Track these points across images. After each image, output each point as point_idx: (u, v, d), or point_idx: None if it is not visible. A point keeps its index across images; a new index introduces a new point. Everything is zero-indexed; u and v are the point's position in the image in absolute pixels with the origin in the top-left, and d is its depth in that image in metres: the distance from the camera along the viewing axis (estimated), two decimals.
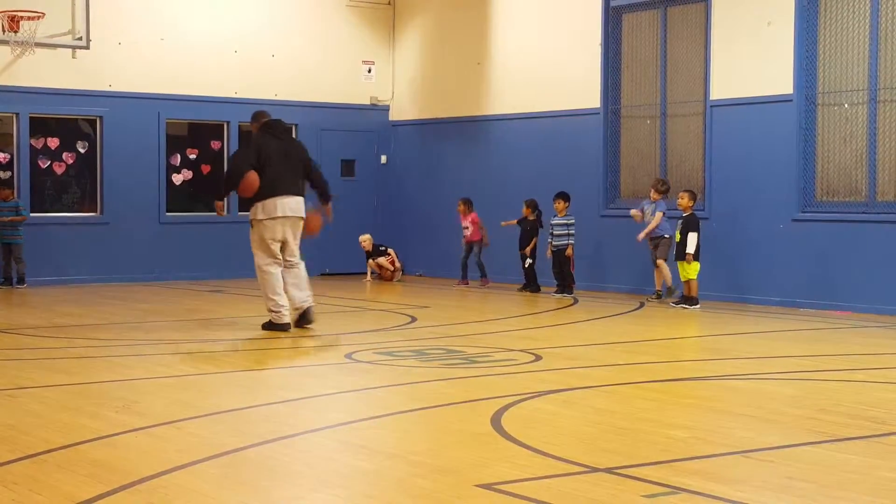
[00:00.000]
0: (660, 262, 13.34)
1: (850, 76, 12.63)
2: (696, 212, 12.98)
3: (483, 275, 15.50)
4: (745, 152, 13.40)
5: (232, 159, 10.74)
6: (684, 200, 12.86)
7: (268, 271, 10.48)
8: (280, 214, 10.40)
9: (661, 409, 6.97)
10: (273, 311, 10.52)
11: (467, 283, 15.55)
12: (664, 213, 13.31)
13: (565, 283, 14.27)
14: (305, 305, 10.64)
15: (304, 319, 10.66)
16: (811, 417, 6.70)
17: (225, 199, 10.49)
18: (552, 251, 14.33)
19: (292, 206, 10.50)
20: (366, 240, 16.82)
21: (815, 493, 5.02)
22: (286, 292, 10.51)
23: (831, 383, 8.13)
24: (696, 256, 12.72)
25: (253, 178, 10.30)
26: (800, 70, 12.83)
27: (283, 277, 10.51)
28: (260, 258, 10.52)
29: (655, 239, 13.40)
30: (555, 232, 14.31)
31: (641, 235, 13.35)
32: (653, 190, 13.52)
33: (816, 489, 5.09)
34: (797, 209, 12.97)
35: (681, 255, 12.76)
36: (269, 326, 10.55)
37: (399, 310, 12.75)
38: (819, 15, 12.82)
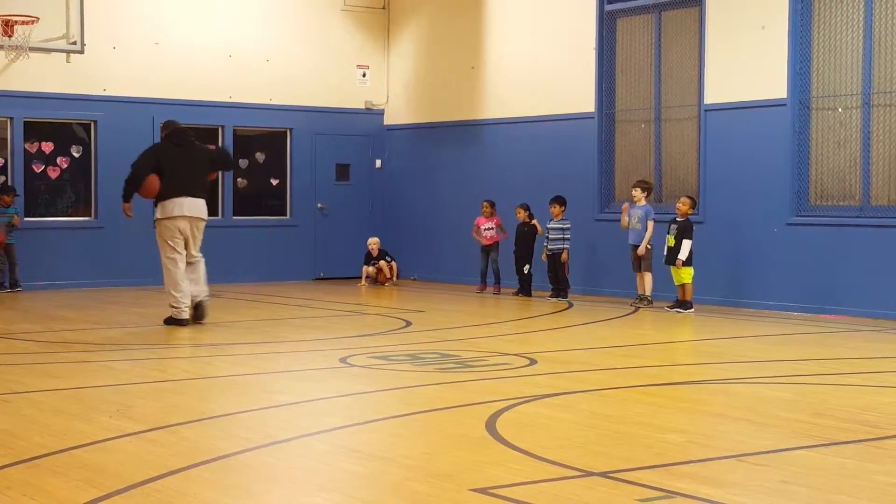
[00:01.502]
0: (646, 274, 13.32)
1: (843, 80, 12.65)
2: (689, 217, 12.99)
3: (497, 281, 15.39)
4: (739, 156, 13.41)
5: (133, 165, 11.41)
6: (685, 206, 12.85)
7: (169, 268, 11.22)
8: (178, 214, 11.15)
9: (655, 413, 6.97)
10: (174, 307, 11.19)
11: (486, 289, 15.42)
12: (654, 221, 13.25)
13: (560, 288, 14.27)
14: (199, 299, 11.34)
15: (197, 313, 11.36)
16: (806, 421, 6.70)
17: (131, 201, 11.55)
18: (547, 255, 14.35)
19: (190, 206, 11.22)
20: (374, 243, 16.82)
21: (810, 497, 5.02)
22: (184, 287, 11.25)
23: (826, 387, 8.14)
24: (689, 262, 12.74)
25: (153, 181, 11.14)
26: (794, 74, 12.85)
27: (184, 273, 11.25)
28: (163, 255, 11.27)
29: (638, 248, 13.35)
30: (550, 236, 14.33)
31: (643, 249, 13.26)
32: (638, 189, 13.46)
33: (811, 493, 5.09)
34: (791, 213, 12.98)
35: (673, 260, 12.78)
36: (170, 321, 11.22)
37: (394, 314, 12.75)
38: (813, 19, 12.84)
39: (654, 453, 5.83)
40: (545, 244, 14.39)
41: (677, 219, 12.89)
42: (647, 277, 13.33)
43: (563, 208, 14.31)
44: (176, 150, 11.38)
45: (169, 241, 11.18)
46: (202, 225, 11.41)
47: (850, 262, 12.49)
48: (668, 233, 12.89)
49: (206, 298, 11.45)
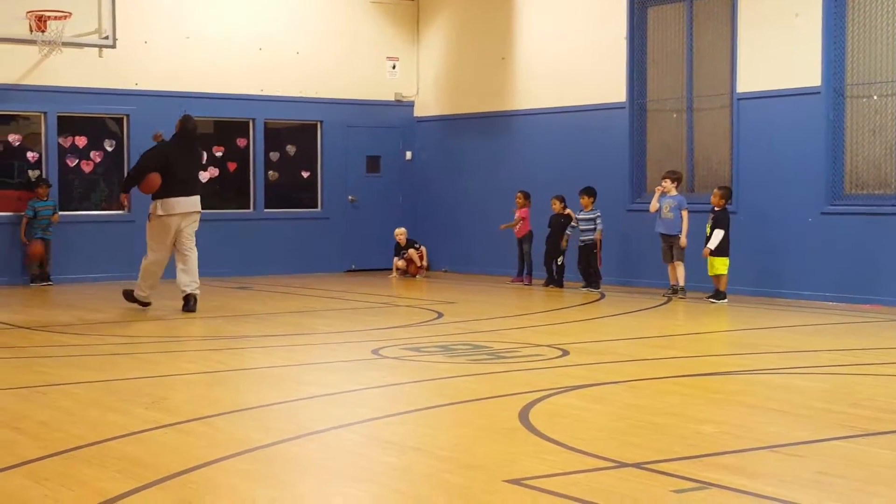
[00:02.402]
0: (677, 263, 13.25)
1: (878, 67, 12.52)
2: (726, 207, 12.91)
3: (528, 272, 15.37)
4: (772, 145, 13.31)
5: (139, 160, 12.01)
6: (715, 198, 12.78)
7: (151, 261, 11.81)
8: (176, 212, 11.73)
9: (689, 404, 6.93)
10: (140, 294, 11.93)
11: (522, 280, 15.41)
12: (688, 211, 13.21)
13: (592, 278, 14.23)
14: (188, 290, 11.81)
15: (187, 305, 11.82)
16: (841, 412, 6.65)
17: (129, 193, 12.48)
18: (578, 246, 14.32)
19: (186, 203, 11.80)
20: (401, 233, 16.83)
21: (845, 489, 4.98)
22: (176, 276, 11.86)
23: (862, 377, 8.07)
24: (724, 252, 12.66)
25: (154, 178, 11.68)
26: (828, 62, 12.73)
27: (177, 264, 11.85)
28: (151, 250, 11.86)
29: (670, 238, 13.31)
30: (581, 227, 14.30)
31: (684, 240, 13.18)
32: (668, 181, 13.37)
33: (847, 484, 5.05)
34: (826, 202, 12.87)
35: (714, 251, 12.68)
36: (131, 298, 11.94)
37: (425, 305, 12.75)
38: (847, 6, 12.71)
39: (688, 444, 5.80)
40: (567, 233, 14.50)
41: (714, 209, 12.81)
42: (680, 268, 13.26)
43: (592, 199, 14.27)
44: (182, 150, 11.98)
45: (159, 239, 11.77)
46: (197, 217, 11.96)
47: (886, 251, 12.37)
48: (708, 223, 12.81)
49: (196, 291, 11.83)
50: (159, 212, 11.73)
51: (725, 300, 12.66)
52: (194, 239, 11.93)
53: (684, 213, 13.17)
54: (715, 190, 12.98)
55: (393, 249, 16.92)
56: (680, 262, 13.27)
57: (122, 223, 15.81)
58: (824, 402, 7.01)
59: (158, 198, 11.73)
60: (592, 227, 14.23)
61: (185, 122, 12.24)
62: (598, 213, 14.27)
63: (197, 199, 11.92)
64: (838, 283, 12.72)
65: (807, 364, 8.62)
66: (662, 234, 13.37)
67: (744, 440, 5.95)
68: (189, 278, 11.78)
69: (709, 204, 12.96)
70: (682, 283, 13.26)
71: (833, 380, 7.97)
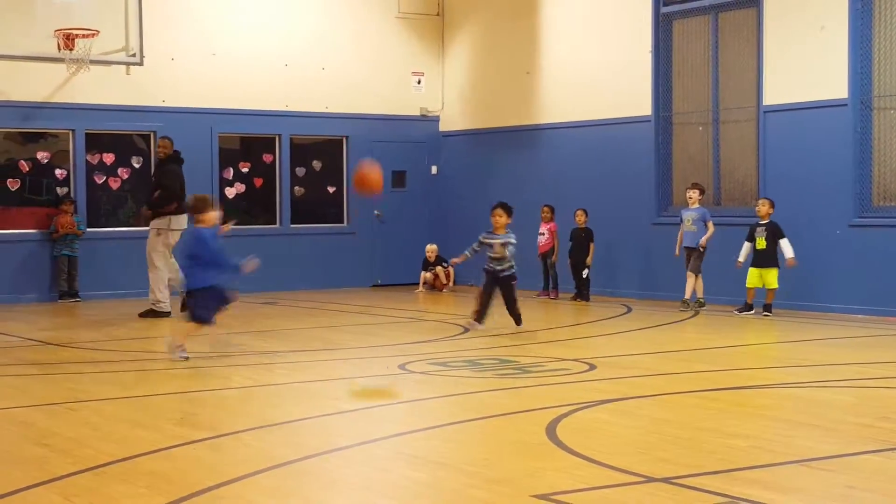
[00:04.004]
0: (695, 275, 13.26)
1: None
2: (749, 218, 12.86)
3: (554, 286, 15.34)
4: (799, 158, 13.25)
5: (168, 179, 13.11)
6: (765, 208, 12.70)
7: (161, 269, 12.95)
8: (182, 228, 12.91)
9: (718, 418, 6.89)
10: (160, 303, 12.97)
11: (548, 294, 15.39)
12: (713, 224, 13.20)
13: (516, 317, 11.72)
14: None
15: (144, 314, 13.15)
16: (871, 426, 6.60)
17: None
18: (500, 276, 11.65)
19: (184, 220, 12.94)
20: (432, 250, 16.88)
21: (876, 503, 4.94)
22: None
23: (891, 390, 8.01)
24: (775, 263, 12.53)
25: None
26: (854, 74, 12.67)
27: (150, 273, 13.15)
28: (159, 260, 13.01)
29: (692, 250, 13.30)
30: (495, 253, 11.68)
31: (704, 241, 13.18)
32: (696, 191, 13.41)
33: (878, 498, 5.01)
34: (854, 215, 12.80)
35: (765, 262, 12.57)
36: (150, 314, 12.96)
37: (451, 320, 12.75)
38: (873, 18, 12.66)
39: (718, 459, 5.77)
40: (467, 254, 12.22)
41: (760, 222, 12.71)
42: (699, 280, 13.24)
43: (506, 218, 11.90)
44: (180, 169, 13.30)
45: (169, 249, 13.02)
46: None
47: None
48: (756, 235, 12.70)
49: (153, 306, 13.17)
50: (173, 226, 12.95)
51: (770, 314, 12.56)
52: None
53: (710, 224, 13.14)
54: (762, 199, 12.85)
55: (421, 264, 16.95)
56: (693, 274, 13.26)
57: None
58: (854, 416, 6.95)
59: (172, 214, 12.93)
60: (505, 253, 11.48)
61: (169, 141, 13.47)
62: (512, 238, 11.60)
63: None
64: (867, 295, 12.62)
65: (836, 377, 8.56)
66: (686, 248, 13.35)
67: (773, 454, 5.91)
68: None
69: (736, 217, 12.90)
70: (699, 294, 13.21)
71: (862, 393, 7.91)
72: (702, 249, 13.20)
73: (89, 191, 15.64)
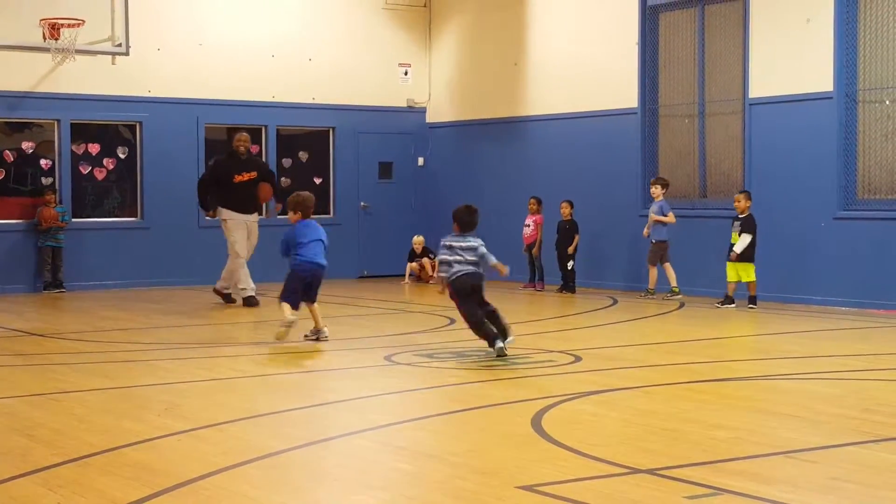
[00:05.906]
0: (652, 266, 13.83)
1: (891, 72, 12.49)
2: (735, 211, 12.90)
3: (540, 278, 15.38)
4: (785, 151, 13.28)
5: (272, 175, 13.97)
6: (741, 203, 12.74)
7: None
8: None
9: (702, 410, 6.92)
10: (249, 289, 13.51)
11: (533, 286, 15.40)
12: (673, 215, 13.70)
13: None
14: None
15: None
16: (855, 417, 6.63)
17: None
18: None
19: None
20: (419, 242, 16.89)
21: (860, 494, 4.97)
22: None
23: (875, 383, 8.05)
24: (750, 258, 12.60)
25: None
26: (840, 67, 12.71)
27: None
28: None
29: (658, 242, 13.71)
30: (457, 257, 9.85)
31: (646, 231, 13.74)
32: (658, 186, 13.82)
33: (861, 490, 5.04)
34: (839, 207, 12.84)
35: (744, 257, 12.63)
36: (251, 302, 13.35)
37: (438, 312, 12.75)
38: (859, 11, 12.69)
39: (702, 450, 5.79)
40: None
41: (739, 216, 12.74)
42: (670, 269, 13.68)
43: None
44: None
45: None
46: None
47: None
48: (732, 230, 12.75)
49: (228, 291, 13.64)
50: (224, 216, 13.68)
51: (756, 306, 12.61)
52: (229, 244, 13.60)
53: (670, 214, 13.65)
54: (738, 194, 12.89)
55: (407, 255, 16.95)
56: (653, 266, 13.81)
57: (135, 230, 15.88)
58: (838, 408, 6.99)
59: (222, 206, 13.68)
60: (475, 258, 9.67)
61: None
62: (481, 243, 9.90)
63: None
64: (851, 288, 12.67)
65: (820, 369, 8.60)
66: (652, 240, 13.84)
67: (757, 446, 5.94)
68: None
69: (722, 209, 12.94)
70: (673, 283, 13.61)
71: (846, 385, 7.94)
72: (652, 244, 13.72)
73: (74, 181, 15.58)
